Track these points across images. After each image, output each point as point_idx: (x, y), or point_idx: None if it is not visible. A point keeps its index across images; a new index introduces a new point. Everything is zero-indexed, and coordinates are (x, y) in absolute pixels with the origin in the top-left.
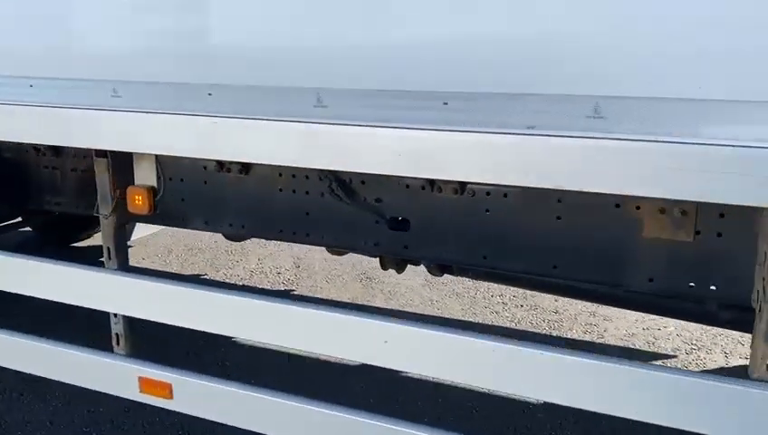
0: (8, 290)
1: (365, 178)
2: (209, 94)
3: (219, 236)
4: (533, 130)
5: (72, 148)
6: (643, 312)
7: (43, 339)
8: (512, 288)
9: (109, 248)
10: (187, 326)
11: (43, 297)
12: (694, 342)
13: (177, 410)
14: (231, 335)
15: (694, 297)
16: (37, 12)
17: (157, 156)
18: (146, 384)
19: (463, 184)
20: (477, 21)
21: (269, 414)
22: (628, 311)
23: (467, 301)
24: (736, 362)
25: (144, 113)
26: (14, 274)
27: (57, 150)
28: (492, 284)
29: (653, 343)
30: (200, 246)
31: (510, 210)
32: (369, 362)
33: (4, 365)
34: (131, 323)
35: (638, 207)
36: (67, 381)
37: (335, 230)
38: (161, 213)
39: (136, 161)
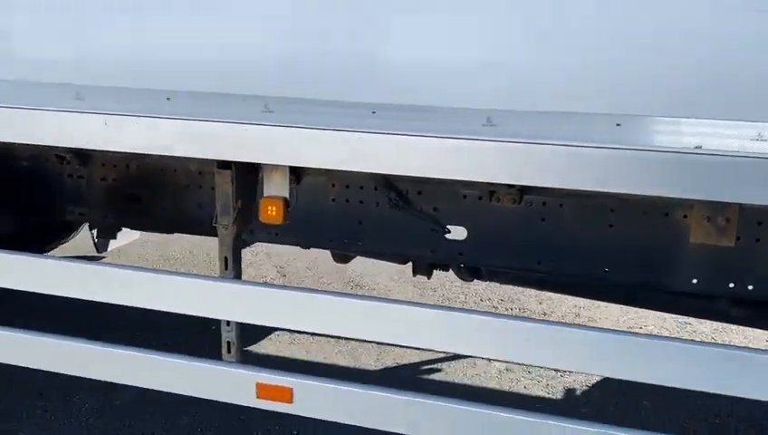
0: (127, 304)
1: (421, 189)
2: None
3: (195, 246)
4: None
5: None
6: (666, 312)
7: (154, 351)
8: (498, 292)
9: (226, 258)
10: (299, 329)
11: (159, 309)
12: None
13: (296, 413)
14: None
15: (732, 296)
16: (197, 28)
17: (291, 168)
18: (264, 390)
19: (521, 194)
20: None
21: (397, 412)
22: (611, 312)
23: (458, 305)
24: None
25: (295, 128)
26: (133, 287)
27: (84, 159)
28: (479, 288)
29: None
30: (175, 256)
31: (565, 219)
32: None
33: (123, 383)
34: (242, 331)
35: (684, 216)
36: (181, 392)
37: (392, 239)
38: (291, 224)
39: (267, 173)
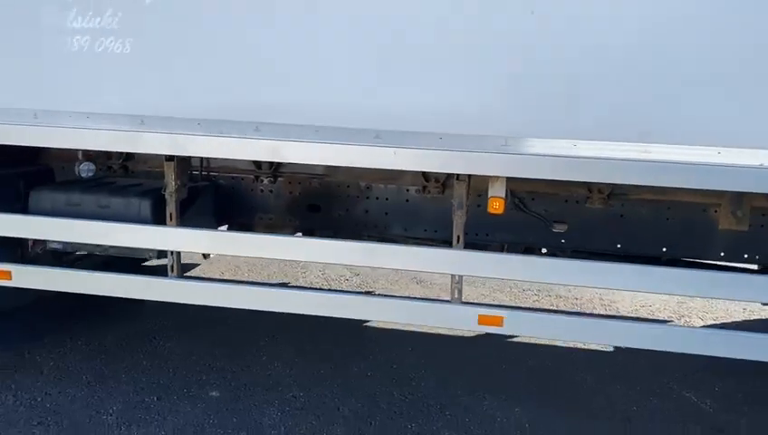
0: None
1: (534, 196)
2: None
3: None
4: None
5: (300, 174)
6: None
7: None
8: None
9: (458, 236)
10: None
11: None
12: (679, 315)
13: (505, 333)
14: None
15: (748, 263)
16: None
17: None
18: (482, 319)
19: (610, 196)
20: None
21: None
22: (627, 296)
23: (514, 293)
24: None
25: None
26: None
27: (273, 177)
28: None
29: (652, 314)
30: (262, 262)
31: (637, 215)
32: None
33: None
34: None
35: (715, 211)
36: (430, 324)
37: (518, 232)
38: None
39: (491, 181)
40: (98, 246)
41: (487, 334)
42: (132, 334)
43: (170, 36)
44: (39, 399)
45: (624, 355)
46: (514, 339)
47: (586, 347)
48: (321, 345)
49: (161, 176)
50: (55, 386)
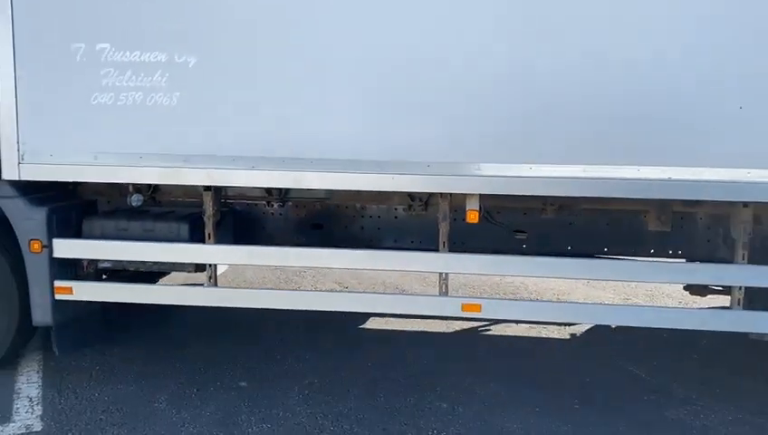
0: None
1: (501, 207)
2: None
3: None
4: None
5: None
6: None
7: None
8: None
9: (444, 242)
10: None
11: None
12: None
13: (484, 316)
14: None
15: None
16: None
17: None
18: (465, 307)
19: (560, 208)
20: None
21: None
22: (581, 289)
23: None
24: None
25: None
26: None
27: (283, 202)
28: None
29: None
30: (264, 274)
31: (583, 222)
32: None
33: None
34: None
35: (644, 216)
36: (422, 313)
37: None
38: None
39: (468, 198)
40: (143, 262)
41: (468, 330)
42: (165, 339)
43: (209, 92)
44: (96, 395)
45: (578, 343)
46: (493, 332)
47: (550, 336)
48: (326, 344)
49: (185, 205)
50: (106, 385)
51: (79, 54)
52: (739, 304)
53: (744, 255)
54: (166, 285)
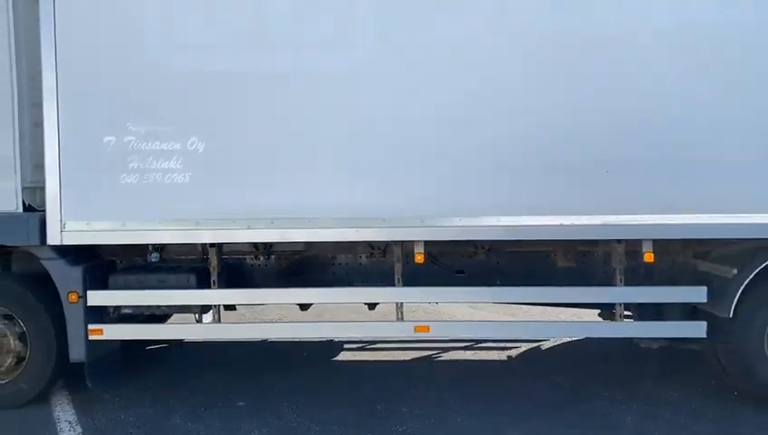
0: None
1: (444, 252)
2: None
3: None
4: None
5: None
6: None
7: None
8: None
9: (398, 278)
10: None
11: (367, 301)
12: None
13: (432, 337)
14: None
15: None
16: None
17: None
18: (417, 328)
19: (489, 251)
20: None
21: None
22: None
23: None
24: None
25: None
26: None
27: (268, 255)
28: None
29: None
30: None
31: (506, 261)
32: None
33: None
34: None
35: (554, 255)
36: (379, 335)
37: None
38: None
39: (415, 244)
40: (158, 307)
41: (425, 357)
42: (172, 372)
43: (214, 172)
44: (122, 416)
45: (513, 362)
46: (444, 357)
47: (489, 358)
48: (309, 370)
49: (185, 261)
50: (129, 409)
51: (110, 145)
52: (620, 317)
53: (621, 279)
54: (177, 323)
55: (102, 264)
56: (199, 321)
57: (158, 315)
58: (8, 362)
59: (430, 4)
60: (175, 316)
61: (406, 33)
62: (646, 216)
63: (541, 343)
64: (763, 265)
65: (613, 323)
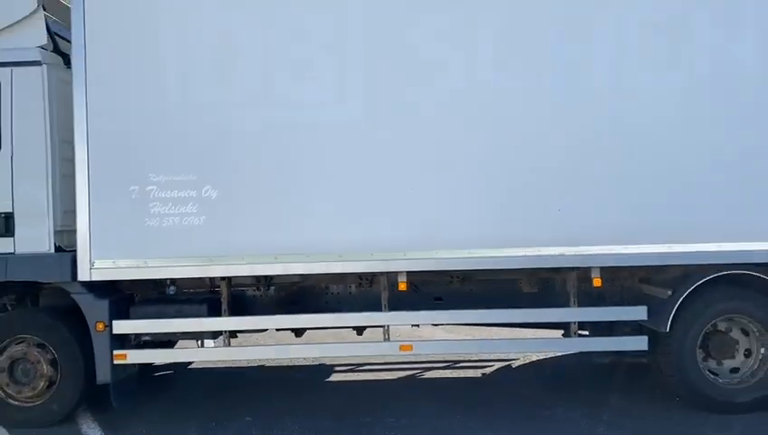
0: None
1: (424, 281)
2: None
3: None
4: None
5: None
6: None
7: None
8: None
9: (384, 304)
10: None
11: (358, 325)
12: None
13: (415, 353)
14: None
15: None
16: None
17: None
18: (402, 347)
19: (463, 280)
20: None
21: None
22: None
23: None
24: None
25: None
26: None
27: (267, 286)
28: None
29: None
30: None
31: (479, 289)
32: None
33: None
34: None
35: (520, 282)
36: (369, 354)
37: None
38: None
39: (398, 275)
40: (174, 334)
41: (409, 376)
42: (184, 393)
43: (225, 215)
44: (144, 431)
45: (486, 378)
46: (425, 376)
47: (465, 376)
48: (306, 388)
49: (194, 292)
50: (148, 425)
51: (134, 193)
52: (575, 334)
53: (574, 301)
54: (191, 348)
55: (124, 297)
56: (202, 346)
57: (164, 342)
58: (41, 385)
59: (407, 77)
60: (180, 342)
61: (390, 94)
62: (594, 247)
63: (511, 362)
64: (694, 286)
65: (568, 339)
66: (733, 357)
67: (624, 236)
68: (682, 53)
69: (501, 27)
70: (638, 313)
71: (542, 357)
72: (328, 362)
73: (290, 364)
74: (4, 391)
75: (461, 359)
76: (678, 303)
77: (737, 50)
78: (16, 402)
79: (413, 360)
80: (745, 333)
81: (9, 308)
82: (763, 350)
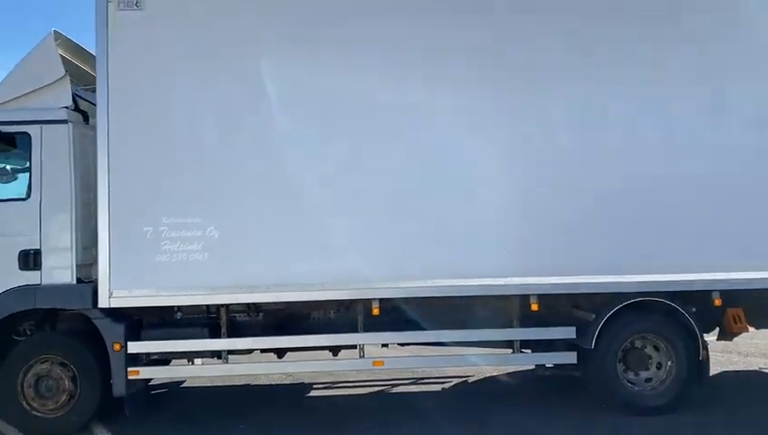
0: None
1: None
2: None
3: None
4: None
5: (274, 308)
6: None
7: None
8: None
9: (360, 326)
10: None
11: (337, 344)
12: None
13: (386, 367)
14: None
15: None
16: None
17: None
18: (375, 362)
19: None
20: None
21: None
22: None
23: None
24: None
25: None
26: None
27: (257, 312)
28: None
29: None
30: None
31: (444, 313)
32: None
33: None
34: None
35: (476, 306)
36: (346, 370)
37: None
38: None
39: (373, 301)
40: (182, 353)
41: (377, 392)
42: (185, 405)
43: (226, 252)
44: None
45: (446, 392)
46: (394, 390)
47: (428, 390)
48: (293, 400)
49: (195, 317)
50: (158, 431)
51: (148, 234)
52: (517, 350)
53: (516, 323)
54: (197, 365)
55: (136, 320)
56: (192, 363)
57: (161, 360)
58: (63, 398)
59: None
60: (174, 361)
61: (369, 151)
62: (531, 278)
63: (468, 378)
64: (613, 310)
65: (512, 354)
66: (647, 369)
67: (557, 269)
68: None
69: None
70: (568, 332)
71: (494, 373)
72: (307, 381)
73: (277, 382)
74: (29, 404)
75: (425, 376)
76: (601, 324)
77: None
78: (40, 414)
79: (383, 377)
80: (656, 348)
81: (29, 333)
82: (669, 362)
